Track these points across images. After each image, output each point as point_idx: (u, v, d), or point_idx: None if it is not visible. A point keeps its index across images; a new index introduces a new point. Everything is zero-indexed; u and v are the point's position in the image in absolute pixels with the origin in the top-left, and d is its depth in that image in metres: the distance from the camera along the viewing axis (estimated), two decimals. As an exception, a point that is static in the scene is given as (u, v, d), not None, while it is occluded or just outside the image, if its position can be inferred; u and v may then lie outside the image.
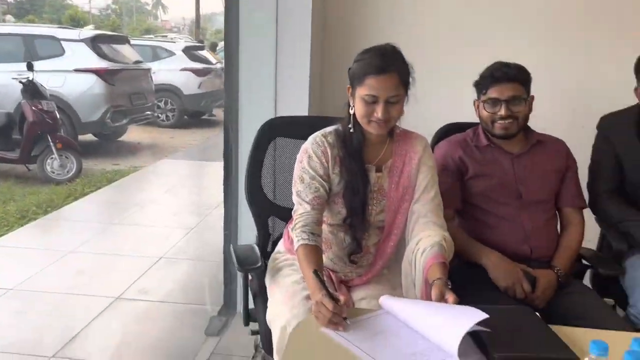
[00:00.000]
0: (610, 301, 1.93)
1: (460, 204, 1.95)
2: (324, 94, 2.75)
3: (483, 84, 1.89)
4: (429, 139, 2.15)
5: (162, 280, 3.39)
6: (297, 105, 2.49)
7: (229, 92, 2.60)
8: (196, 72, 9.93)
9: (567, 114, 2.54)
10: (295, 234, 1.60)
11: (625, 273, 1.87)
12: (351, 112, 1.64)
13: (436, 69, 2.61)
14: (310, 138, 1.69)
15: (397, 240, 1.70)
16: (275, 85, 2.51)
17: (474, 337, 1.27)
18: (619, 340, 1.06)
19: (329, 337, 1.29)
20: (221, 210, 2.80)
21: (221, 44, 14.45)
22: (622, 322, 1.69)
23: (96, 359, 2.53)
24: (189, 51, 10.37)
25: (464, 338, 1.21)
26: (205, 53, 11.26)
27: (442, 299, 1.37)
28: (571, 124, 2.42)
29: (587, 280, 2.02)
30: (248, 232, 2.52)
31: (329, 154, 1.65)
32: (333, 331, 1.30)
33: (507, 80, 1.83)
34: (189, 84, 9.81)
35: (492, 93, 1.85)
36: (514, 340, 1.25)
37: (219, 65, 10.62)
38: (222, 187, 2.75)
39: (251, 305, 1.88)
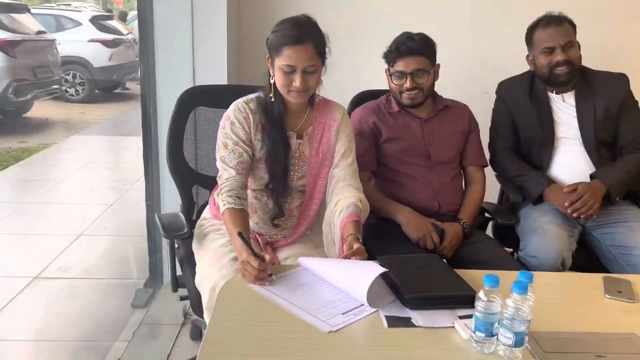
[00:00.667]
0: (509, 249, 2.14)
1: (375, 166, 2.08)
2: (241, 63, 2.77)
3: (390, 57, 2.00)
4: (346, 107, 2.27)
5: (84, 257, 3.32)
6: (216, 75, 2.50)
7: (144, 63, 2.56)
8: (106, 43, 9.44)
9: (470, 81, 2.73)
10: (221, 199, 1.65)
11: (519, 222, 2.09)
12: (271, 81, 1.69)
13: (351, 37, 2.71)
14: (233, 105, 1.73)
15: (319, 204, 1.80)
16: (193, 55, 2.50)
17: (388, 282, 1.40)
18: (512, 277, 1.21)
19: (256, 292, 1.38)
20: (141, 185, 2.78)
21: (132, 14, 13.77)
22: (517, 264, 1.90)
23: (19, 337, 2.47)
24: (96, 21, 9.81)
25: (379, 284, 1.35)
26: (114, 23, 10.71)
27: (350, 250, 1.49)
28: (475, 90, 2.61)
29: (489, 231, 2.24)
30: (171, 202, 2.53)
31: (251, 120, 1.70)
32: (259, 286, 1.39)
33: (411, 54, 1.94)
34: (98, 56, 9.31)
35: (398, 66, 1.97)
36: (423, 283, 1.39)
37: (130, 36, 10.16)
38: (140, 160, 2.73)
39: (179, 272, 1.93)
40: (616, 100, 2.10)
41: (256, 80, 2.63)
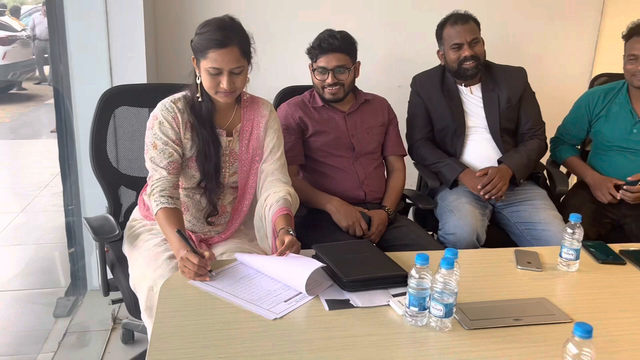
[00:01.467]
0: (429, 232, 2.29)
1: (303, 159, 2.15)
2: (159, 61, 2.73)
3: (313, 53, 2.08)
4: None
5: (-5, 270, 3.13)
6: (134, 74, 2.45)
7: (55, 63, 2.45)
8: (-2, 40, 8.78)
9: (386, 75, 2.86)
10: (153, 199, 1.65)
11: (437, 205, 2.25)
12: (198, 81, 1.69)
13: (272, 35, 2.75)
14: (160, 104, 1.72)
15: (251, 199, 1.84)
16: (109, 54, 2.43)
17: (325, 268, 1.47)
18: (436, 256, 1.32)
19: (197, 288, 1.40)
20: (51, 190, 2.66)
21: (25, 8, 12.85)
22: (438, 244, 2.05)
23: None
24: (-14, 16, 9.10)
25: (316, 271, 1.41)
26: (7, 19, 9.96)
27: (282, 244, 1.54)
28: (390, 84, 2.74)
29: (411, 216, 2.39)
30: (92, 205, 2.45)
31: (180, 119, 1.70)
32: (200, 282, 1.41)
33: (333, 50, 2.03)
34: (-11, 54, 8.64)
35: (321, 62, 2.05)
36: (358, 267, 1.48)
37: (24, 33, 9.49)
38: (48, 164, 2.61)
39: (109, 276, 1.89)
40: (516, 92, 2.30)
41: (176, 79, 2.61)
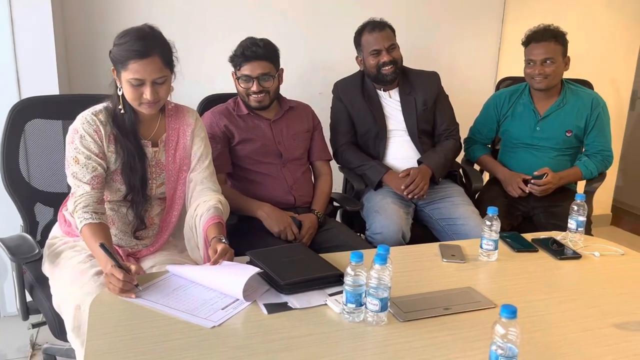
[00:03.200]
0: (357, 233, 2.35)
1: (230, 167, 2.14)
2: (71, 71, 2.61)
3: (236, 60, 2.08)
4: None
5: None
6: (45, 86, 2.31)
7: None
8: None
9: (306, 82, 2.91)
10: (77, 216, 1.58)
11: (364, 207, 2.31)
12: (119, 93, 1.64)
13: (188, 44, 2.71)
14: (80, 117, 1.65)
15: (180, 210, 1.80)
16: (16, 65, 2.30)
17: (261, 274, 1.48)
18: (368, 254, 1.37)
19: (130, 302, 1.36)
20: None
21: None
22: (366, 244, 2.11)
23: None
24: None
25: (253, 277, 1.42)
26: None
27: (215, 252, 1.53)
28: (311, 91, 2.79)
29: (338, 218, 2.44)
30: (5, 225, 2.29)
31: (102, 132, 1.64)
32: (131, 297, 1.37)
33: (257, 58, 2.04)
34: None
35: (245, 70, 2.05)
36: (294, 269, 1.50)
37: None
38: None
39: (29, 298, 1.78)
40: (431, 95, 2.43)
41: (91, 89, 2.51)
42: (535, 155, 2.45)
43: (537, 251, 1.79)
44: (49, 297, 1.63)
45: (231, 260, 1.54)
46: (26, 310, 1.75)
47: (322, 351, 1.20)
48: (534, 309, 1.41)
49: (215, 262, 1.50)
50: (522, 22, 2.69)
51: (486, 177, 2.73)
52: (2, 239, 1.72)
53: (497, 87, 2.83)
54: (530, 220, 2.42)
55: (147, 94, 1.59)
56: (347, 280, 1.30)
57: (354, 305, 1.30)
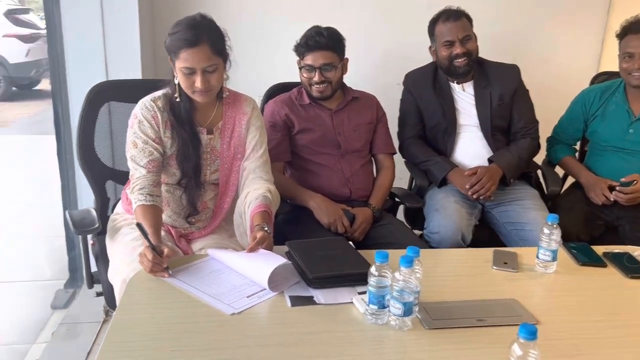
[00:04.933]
0: (420, 231, 2.27)
1: (289, 156, 2.15)
2: (157, 56, 2.75)
3: (300, 50, 2.07)
4: (260, 99, 2.32)
5: (1, 260, 3.19)
6: (129, 69, 2.47)
7: (53, 59, 2.50)
8: (22, 38, 8.95)
9: (382, 72, 2.83)
10: (133, 197, 1.67)
11: (425, 204, 2.22)
12: (176, 82, 1.70)
13: (264, 30, 2.75)
14: (140, 102, 1.73)
15: (232, 196, 1.83)
16: (105, 50, 2.47)
17: (294, 265, 1.47)
18: (424, 253, 1.31)
19: (163, 282, 1.41)
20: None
21: (50, 7, 13.11)
22: (423, 243, 2.03)
23: None
24: (11, 15, 9.30)
25: (285, 267, 1.42)
26: (31, 17, 10.19)
27: (254, 240, 1.53)
28: (387, 81, 2.71)
29: (401, 215, 2.36)
30: (89, 199, 2.49)
31: (159, 118, 1.71)
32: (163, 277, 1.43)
33: (319, 48, 2.01)
34: (14, 51, 8.81)
35: (307, 60, 2.04)
36: (326, 264, 1.47)
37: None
38: (60, 158, 2.66)
39: (94, 268, 1.92)
40: (509, 90, 2.26)
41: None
42: (625, 160, 2.20)
43: (605, 266, 1.61)
44: (107, 269, 1.74)
45: (270, 248, 1.55)
46: (91, 279, 1.88)
47: (333, 350, 1.17)
48: (582, 331, 1.27)
49: (252, 250, 1.52)
50: (634, 10, 2.39)
51: (570, 181, 2.49)
52: (70, 212, 1.86)
53: (592, 83, 2.57)
54: (615, 231, 2.18)
55: (197, 82, 1.63)
56: (371, 280, 1.25)
57: (376, 307, 1.26)
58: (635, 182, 2.08)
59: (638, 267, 1.59)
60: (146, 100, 1.73)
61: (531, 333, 0.96)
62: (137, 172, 1.69)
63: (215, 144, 1.79)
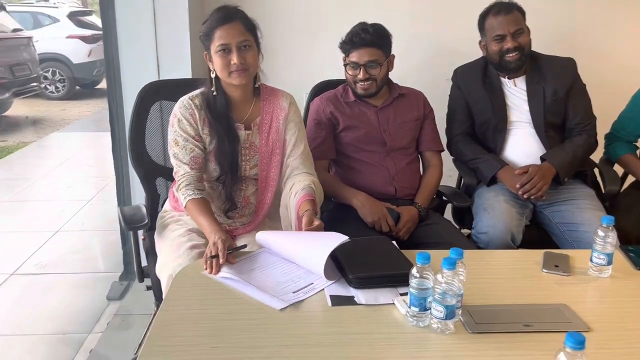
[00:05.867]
0: (468, 230, 2.21)
1: (334, 154, 2.14)
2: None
3: (345, 47, 2.05)
4: (306, 96, 2.32)
5: (61, 253, 3.36)
6: (180, 69, 2.53)
7: (108, 59, 2.59)
8: (84, 39, 9.36)
9: (431, 67, 2.78)
10: (180, 194, 1.71)
11: (474, 203, 2.16)
12: (212, 76, 1.73)
13: (312, 28, 2.75)
14: (179, 102, 1.77)
15: (273, 192, 1.85)
16: (157, 49, 2.54)
17: (336, 262, 1.47)
18: (470, 254, 1.27)
19: (209, 278, 1.44)
20: (120, 181, 2.82)
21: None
22: (470, 243, 1.98)
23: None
24: (74, 17, 9.73)
25: (327, 263, 1.41)
26: (93, 18, 10.63)
27: (310, 224, 1.56)
28: (436, 76, 2.66)
29: (448, 214, 2.31)
30: (141, 195, 2.57)
31: (197, 116, 1.74)
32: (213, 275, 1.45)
33: (364, 45, 1.99)
34: (77, 52, 9.23)
35: (352, 57, 2.02)
36: (368, 263, 1.46)
37: (109, 31, 10.06)
38: (117, 155, 2.77)
39: (145, 263, 1.98)
40: (564, 84, 2.16)
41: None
42: (691, 157, 2.07)
43: (666, 272, 1.52)
44: (155, 263, 1.80)
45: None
46: (141, 274, 1.95)
47: (373, 352, 1.16)
48: (636, 340, 1.20)
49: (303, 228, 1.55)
50: None
51: (630, 180, 2.36)
52: (122, 208, 1.93)
53: (655, 76, 2.42)
54: (679, 234, 2.06)
55: (234, 58, 1.66)
56: (412, 282, 1.23)
57: (417, 309, 1.23)
58: (702, 182, 1.95)
59: (702, 273, 1.49)
60: (184, 99, 1.77)
61: (579, 342, 0.91)
62: (181, 169, 1.73)
63: (254, 139, 1.81)
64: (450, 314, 1.21)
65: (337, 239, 1.43)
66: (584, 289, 1.45)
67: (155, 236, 1.89)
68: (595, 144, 2.22)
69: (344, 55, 2.09)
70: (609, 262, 1.48)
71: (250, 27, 1.71)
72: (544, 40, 2.27)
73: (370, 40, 1.99)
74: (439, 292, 1.21)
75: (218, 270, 1.44)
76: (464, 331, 1.22)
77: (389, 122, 2.11)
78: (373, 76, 2.02)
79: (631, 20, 2.79)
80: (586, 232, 1.93)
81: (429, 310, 1.23)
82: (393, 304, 1.32)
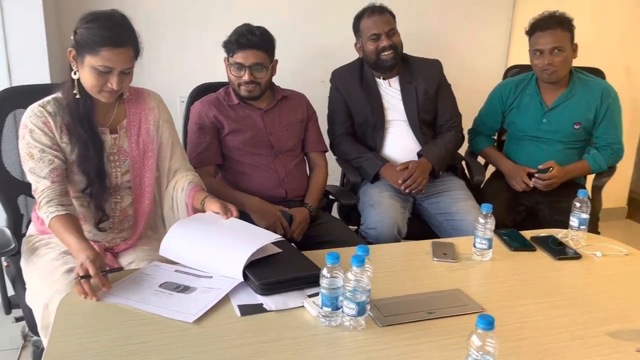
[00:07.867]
0: (355, 227, 2.27)
1: (220, 159, 2.08)
2: (67, 58, 2.56)
3: (230, 47, 1.99)
4: (185, 100, 2.23)
5: None
6: (36, 73, 2.28)
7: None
8: None
9: (307, 70, 2.82)
10: (42, 212, 1.52)
11: (359, 200, 2.24)
12: (74, 77, 1.56)
13: (183, 32, 2.65)
14: (28, 110, 1.58)
15: (151, 198, 1.74)
16: (7, 53, 2.26)
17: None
18: (354, 252, 1.30)
19: (101, 301, 1.31)
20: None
21: None
22: (361, 239, 2.04)
23: None
24: None
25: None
26: None
27: (225, 209, 1.56)
28: (312, 78, 2.71)
29: (335, 212, 2.36)
30: (2, 216, 2.28)
31: (52, 124, 1.57)
32: (103, 294, 1.32)
33: (251, 47, 1.95)
34: None
35: (238, 58, 1.97)
36: (271, 268, 1.43)
37: None
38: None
39: (11, 292, 1.75)
40: (433, 84, 2.33)
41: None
42: (541, 148, 2.34)
43: (535, 250, 1.70)
44: (25, 292, 1.59)
45: (237, 216, 1.57)
46: (8, 304, 1.72)
47: (292, 358, 1.14)
48: (524, 315, 1.32)
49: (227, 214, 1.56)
50: (535, 7, 2.54)
51: (490, 170, 2.62)
52: (-19, 233, 1.69)
53: (505, 76, 2.71)
54: (535, 215, 2.32)
55: (113, 83, 1.52)
56: (323, 282, 1.23)
57: (330, 309, 1.24)
58: (551, 168, 2.21)
59: (563, 249, 1.69)
60: (34, 107, 1.58)
61: (489, 323, 0.98)
62: (41, 185, 1.54)
63: (122, 143, 1.68)
64: (361, 310, 1.23)
65: (267, 236, 1.43)
66: (471, 272, 1.57)
67: (22, 263, 1.66)
68: (462, 139, 2.42)
69: (226, 55, 2.03)
70: (490, 246, 1.62)
71: (137, 50, 1.56)
72: (409, 45, 2.40)
73: (257, 42, 1.96)
74: (350, 289, 1.22)
75: (93, 293, 1.30)
76: (374, 325, 1.25)
77: (274, 125, 2.10)
78: (258, 79, 2.00)
79: (478, 26, 3.09)
80: (462, 220, 2.09)
81: (341, 309, 1.24)
82: (302, 306, 1.32)
